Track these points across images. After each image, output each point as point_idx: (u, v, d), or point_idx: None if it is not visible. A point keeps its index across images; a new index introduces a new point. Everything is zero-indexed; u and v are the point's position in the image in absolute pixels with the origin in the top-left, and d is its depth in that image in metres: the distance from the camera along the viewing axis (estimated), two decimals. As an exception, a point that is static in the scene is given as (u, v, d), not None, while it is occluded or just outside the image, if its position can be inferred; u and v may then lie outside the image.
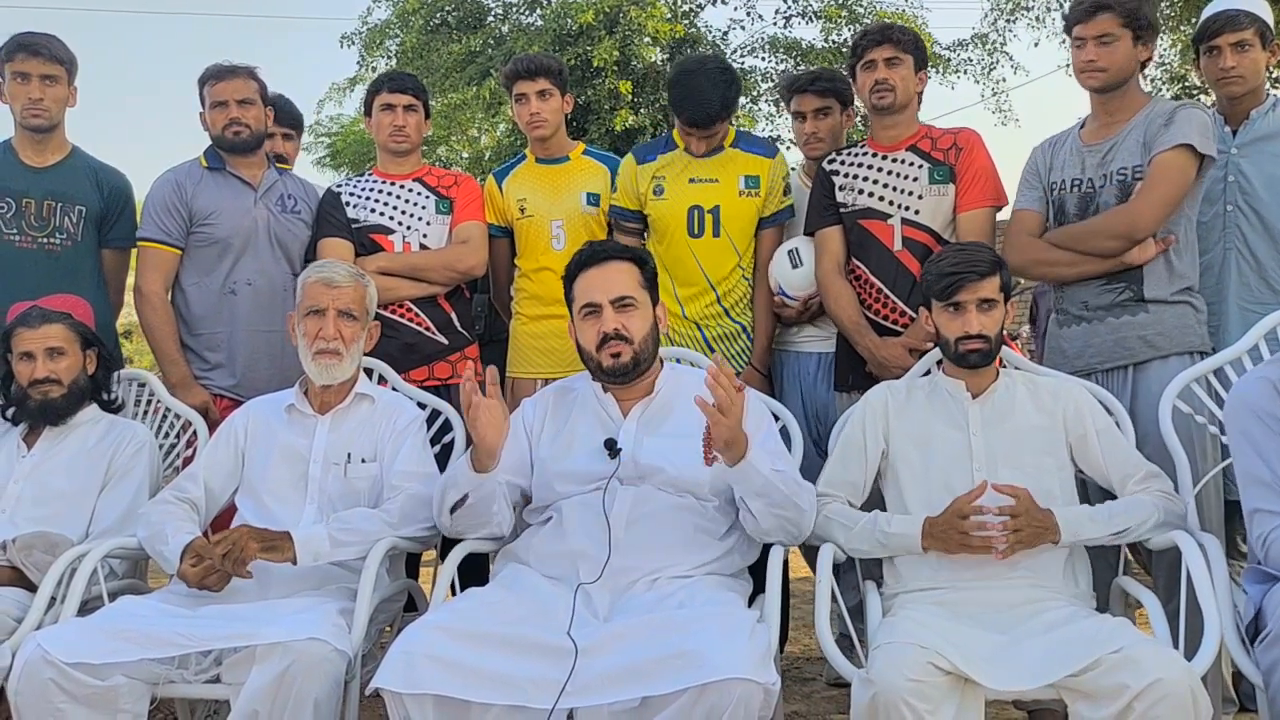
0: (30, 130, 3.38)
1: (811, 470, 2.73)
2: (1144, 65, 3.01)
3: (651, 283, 2.62)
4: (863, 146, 3.34)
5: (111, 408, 3.05)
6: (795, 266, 3.37)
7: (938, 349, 2.68)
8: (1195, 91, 12.09)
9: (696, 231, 3.37)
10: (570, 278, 2.62)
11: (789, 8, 14.02)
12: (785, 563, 2.44)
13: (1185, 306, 2.92)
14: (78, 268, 3.43)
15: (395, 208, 3.51)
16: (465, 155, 17.40)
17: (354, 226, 3.48)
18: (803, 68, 13.09)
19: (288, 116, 4.00)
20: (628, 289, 2.55)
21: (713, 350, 3.34)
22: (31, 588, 2.54)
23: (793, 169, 3.74)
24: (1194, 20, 3.10)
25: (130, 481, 2.88)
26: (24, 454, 2.88)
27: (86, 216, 3.44)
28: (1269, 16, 3.13)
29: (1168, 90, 12.89)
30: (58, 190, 3.41)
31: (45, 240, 3.38)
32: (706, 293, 3.39)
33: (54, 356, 2.88)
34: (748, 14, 14.27)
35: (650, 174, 3.44)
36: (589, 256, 2.60)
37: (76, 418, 2.93)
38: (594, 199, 3.58)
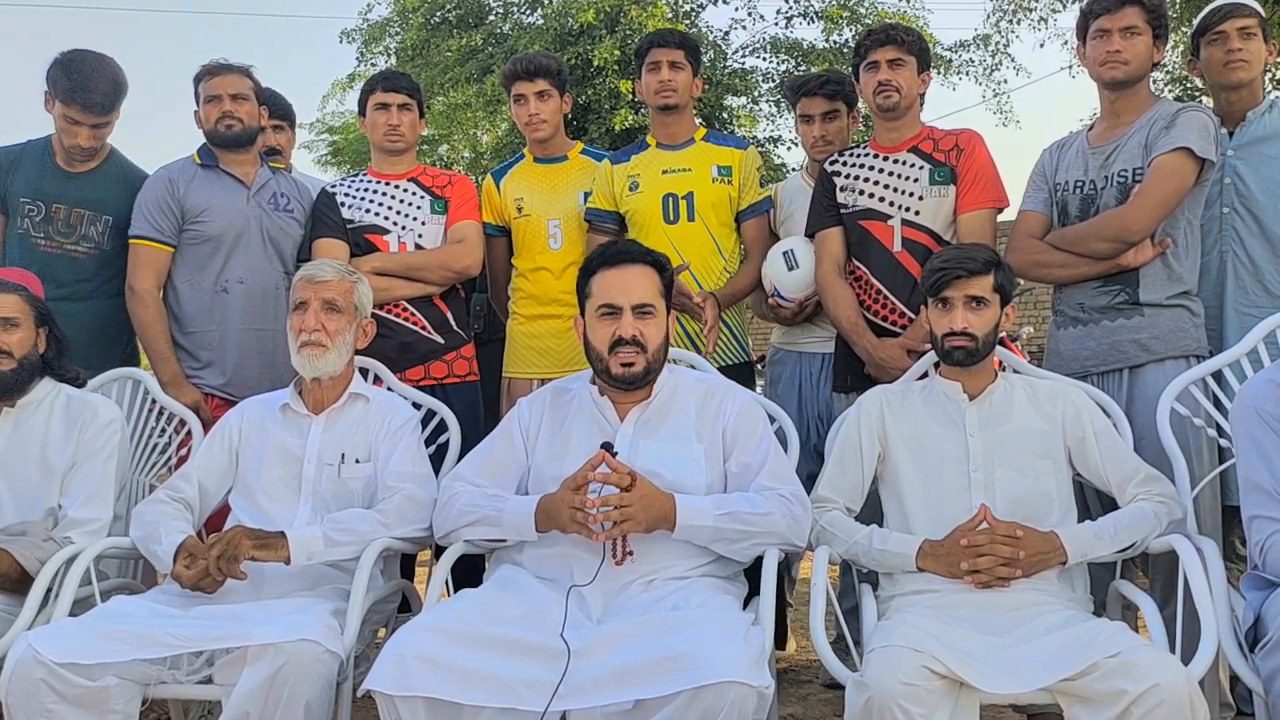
0: None
1: (808, 474, 2.72)
2: (1155, 67, 3.02)
3: (668, 290, 2.60)
4: (864, 148, 3.34)
5: (76, 382, 2.92)
6: (791, 268, 3.37)
7: (934, 351, 2.67)
8: (1197, 94, 12.09)
9: (672, 218, 3.43)
10: (590, 272, 2.58)
11: (790, 8, 14.04)
12: (781, 565, 2.43)
13: (1181, 310, 2.91)
14: (98, 275, 3.44)
15: (390, 208, 3.50)
16: (466, 154, 17.39)
17: (349, 227, 3.47)
18: (804, 68, 13.10)
19: (277, 109, 3.99)
20: (649, 296, 2.52)
21: (695, 346, 3.34)
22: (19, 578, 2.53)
23: (794, 169, 3.73)
24: (1194, 22, 3.08)
25: (94, 463, 2.77)
26: None
27: (113, 225, 3.45)
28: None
29: (1170, 92, 12.90)
30: (88, 198, 3.42)
31: (71, 247, 3.41)
32: (687, 282, 3.39)
33: (7, 328, 2.75)
34: (749, 14, 14.29)
35: (625, 173, 3.50)
36: (615, 255, 2.57)
37: (31, 397, 2.81)
38: (592, 198, 3.58)
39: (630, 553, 2.37)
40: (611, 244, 2.68)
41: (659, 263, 2.58)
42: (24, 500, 2.74)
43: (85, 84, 3.30)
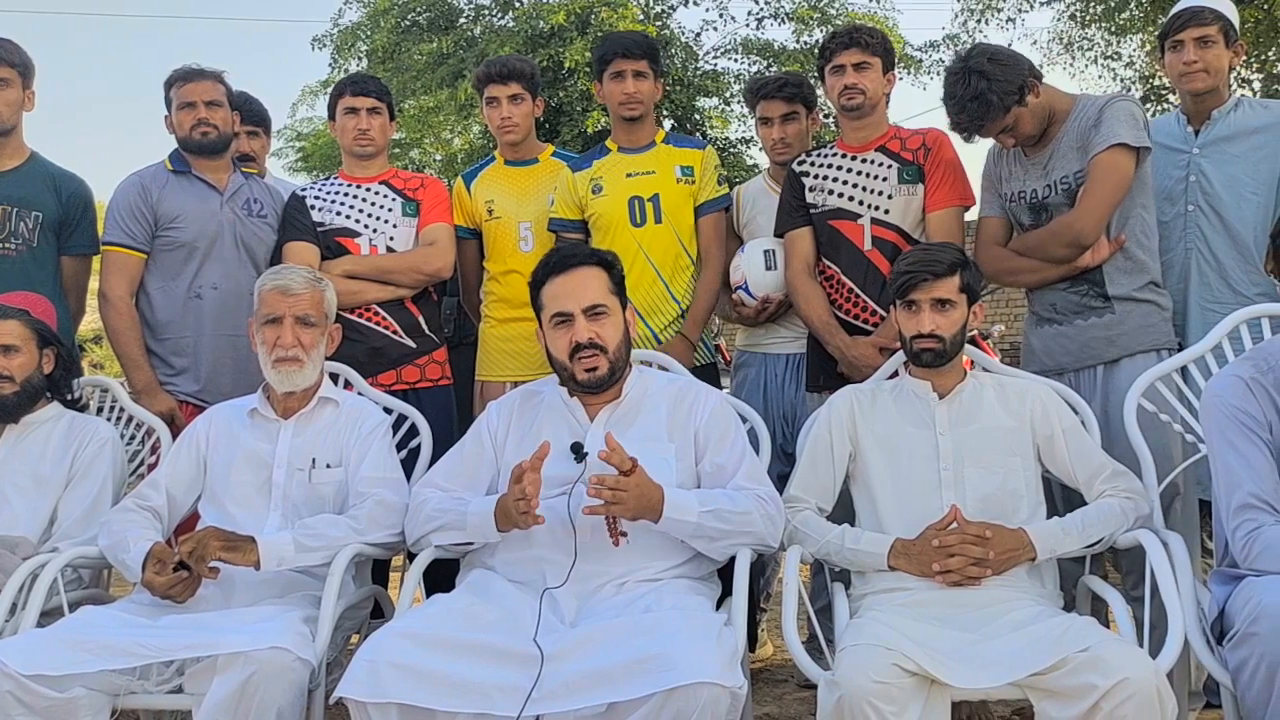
0: None
1: (776, 474, 2.72)
2: (1039, 94, 2.90)
3: (620, 286, 2.59)
4: (832, 148, 3.35)
5: (76, 406, 3.01)
6: (769, 268, 3.37)
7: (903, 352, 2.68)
8: (1164, 91, 12.22)
9: (639, 221, 3.42)
10: (538, 284, 2.57)
11: (761, 9, 14.09)
12: (754, 565, 2.44)
13: (1150, 305, 2.93)
14: (34, 274, 3.37)
15: (361, 210, 3.48)
16: (439, 158, 17.34)
17: (320, 230, 3.45)
18: (775, 69, 13.13)
19: (253, 115, 3.96)
20: (599, 296, 2.51)
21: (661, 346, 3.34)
22: None
23: (767, 169, 3.74)
24: (1161, 21, 3.12)
25: (92, 481, 2.84)
26: None
27: (43, 223, 3.38)
28: (1235, 17, 3.15)
29: (1138, 89, 13.03)
30: (13, 195, 3.34)
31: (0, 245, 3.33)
32: (655, 283, 3.41)
33: (7, 353, 2.84)
34: (720, 15, 14.34)
35: (587, 178, 3.48)
36: (557, 263, 2.56)
37: (36, 415, 2.90)
38: (563, 202, 3.57)
39: (624, 534, 2.36)
40: (554, 252, 2.66)
41: (605, 261, 2.57)
42: (17, 511, 2.77)
43: None
